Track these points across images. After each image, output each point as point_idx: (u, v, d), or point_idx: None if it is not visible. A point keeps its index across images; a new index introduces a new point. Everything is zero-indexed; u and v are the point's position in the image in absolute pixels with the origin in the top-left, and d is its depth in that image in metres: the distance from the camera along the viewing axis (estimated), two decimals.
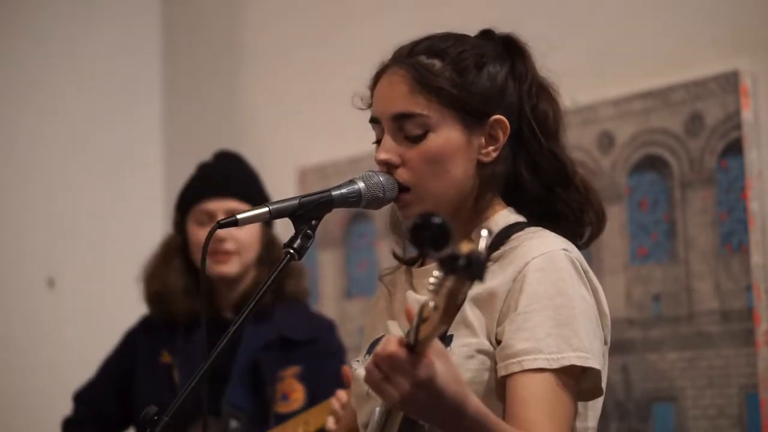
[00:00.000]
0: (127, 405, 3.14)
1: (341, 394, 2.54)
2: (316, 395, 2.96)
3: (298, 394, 2.96)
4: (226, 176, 3.16)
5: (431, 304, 1.44)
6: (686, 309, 2.90)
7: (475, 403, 1.58)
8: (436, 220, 1.39)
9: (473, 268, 1.36)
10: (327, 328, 3.17)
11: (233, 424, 2.86)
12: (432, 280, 1.43)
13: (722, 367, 2.83)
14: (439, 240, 1.39)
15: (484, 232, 1.39)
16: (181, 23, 4.47)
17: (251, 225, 3.02)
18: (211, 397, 2.91)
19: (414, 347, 1.50)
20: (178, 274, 3.11)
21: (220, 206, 3.07)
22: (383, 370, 1.52)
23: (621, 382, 2.98)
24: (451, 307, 1.42)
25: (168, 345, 3.09)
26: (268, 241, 3.13)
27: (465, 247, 1.37)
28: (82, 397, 3.19)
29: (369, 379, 1.55)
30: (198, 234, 3.06)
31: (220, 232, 3.00)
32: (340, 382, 3.03)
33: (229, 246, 3.04)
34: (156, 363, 3.08)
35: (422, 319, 1.47)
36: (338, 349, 3.16)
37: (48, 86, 4.18)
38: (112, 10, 4.37)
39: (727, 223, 2.85)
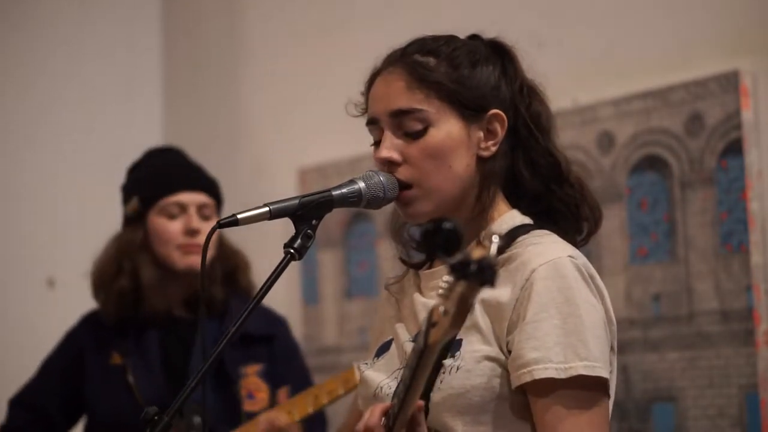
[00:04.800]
0: (71, 408, 3.06)
1: (258, 422, 2.66)
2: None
3: (263, 393, 2.95)
4: (196, 169, 3.11)
5: (441, 308, 1.45)
6: (686, 309, 2.90)
7: None
8: (447, 225, 1.40)
9: (484, 274, 1.37)
10: (283, 324, 3.14)
11: (197, 420, 2.81)
12: (442, 284, 1.44)
13: (722, 367, 2.83)
14: (450, 245, 1.40)
15: (495, 238, 1.40)
16: (181, 23, 4.47)
17: (213, 222, 3.02)
18: (173, 397, 2.87)
19: (391, 429, 1.61)
20: (150, 268, 3.01)
21: (193, 199, 3.01)
22: None
23: (621, 382, 2.98)
24: (462, 312, 1.43)
25: (117, 346, 3.01)
26: (221, 240, 3.08)
27: (476, 253, 1.38)
28: (20, 403, 3.08)
29: None
30: (168, 226, 2.99)
31: (196, 225, 2.98)
32: (303, 381, 3.08)
33: (202, 239, 2.92)
34: (106, 365, 3.00)
35: (432, 324, 1.48)
36: (296, 348, 3.16)
37: (48, 86, 4.18)
38: (112, 10, 4.36)
39: (727, 223, 2.85)
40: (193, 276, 3.01)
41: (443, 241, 1.40)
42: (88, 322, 3.11)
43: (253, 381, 2.96)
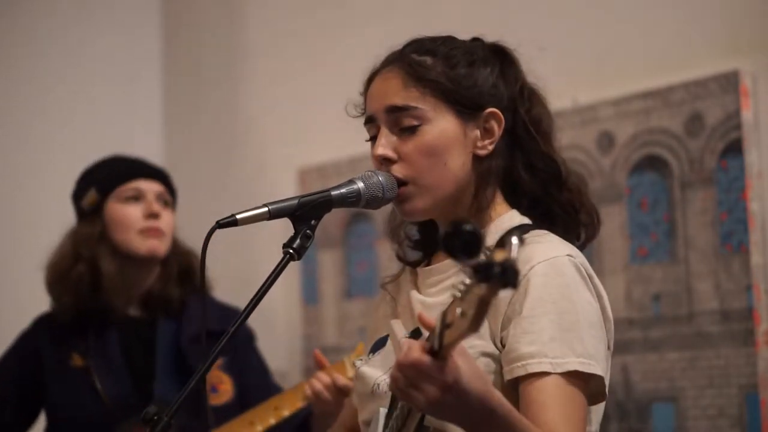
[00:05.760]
0: (26, 410, 3.02)
1: (318, 377, 2.55)
2: (244, 385, 3.00)
3: (226, 385, 2.95)
4: (150, 164, 3.13)
5: (458, 310, 1.44)
6: (686, 309, 2.90)
7: (498, 397, 1.59)
8: (468, 227, 1.39)
9: (508, 276, 1.36)
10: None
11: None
12: (460, 286, 1.44)
13: (722, 367, 2.83)
14: (470, 247, 1.39)
15: (515, 240, 1.40)
16: (181, 23, 4.47)
17: (172, 215, 3.01)
18: (139, 397, 2.87)
19: (438, 352, 1.51)
20: (109, 258, 2.97)
21: (150, 186, 3.01)
22: (408, 377, 1.53)
23: (621, 382, 2.98)
24: (481, 314, 1.42)
25: (76, 347, 2.97)
26: (174, 240, 3.06)
27: (499, 255, 1.37)
28: None
29: (394, 386, 1.56)
30: (128, 211, 2.97)
31: (156, 208, 2.97)
32: (264, 367, 3.11)
33: (162, 224, 2.98)
34: (67, 367, 2.96)
35: (446, 325, 1.48)
36: (253, 336, 3.15)
37: (48, 86, 4.18)
38: (113, 10, 4.37)
39: (727, 223, 2.85)
40: (153, 270, 3.01)
41: (463, 243, 1.39)
42: (43, 322, 3.06)
43: (215, 375, 2.96)
